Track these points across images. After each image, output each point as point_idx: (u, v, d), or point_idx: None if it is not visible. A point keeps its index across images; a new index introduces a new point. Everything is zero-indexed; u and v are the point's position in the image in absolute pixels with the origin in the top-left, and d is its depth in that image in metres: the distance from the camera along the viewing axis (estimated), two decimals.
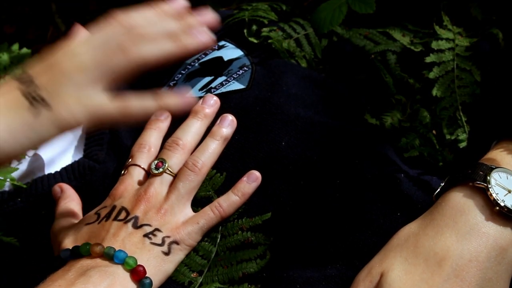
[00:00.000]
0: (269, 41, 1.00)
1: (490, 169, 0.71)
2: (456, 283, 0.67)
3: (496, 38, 0.97)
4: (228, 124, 0.88)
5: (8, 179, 0.95)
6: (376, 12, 1.02)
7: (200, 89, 0.94)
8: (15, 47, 1.25)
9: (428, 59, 0.96)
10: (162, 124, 0.91)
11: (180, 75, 0.98)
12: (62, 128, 0.69)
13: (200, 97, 0.92)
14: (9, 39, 1.44)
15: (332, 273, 0.76)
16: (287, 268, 0.76)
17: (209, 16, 0.80)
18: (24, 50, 1.26)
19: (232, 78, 0.94)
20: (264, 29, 1.02)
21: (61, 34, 1.43)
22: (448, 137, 0.92)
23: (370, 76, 0.98)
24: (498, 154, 0.75)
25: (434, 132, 0.94)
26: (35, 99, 0.69)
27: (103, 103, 0.71)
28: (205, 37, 0.76)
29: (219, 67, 0.96)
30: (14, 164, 0.98)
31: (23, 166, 0.98)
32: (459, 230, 0.69)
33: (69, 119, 0.69)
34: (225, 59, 0.97)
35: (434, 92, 0.94)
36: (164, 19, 0.77)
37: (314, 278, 0.75)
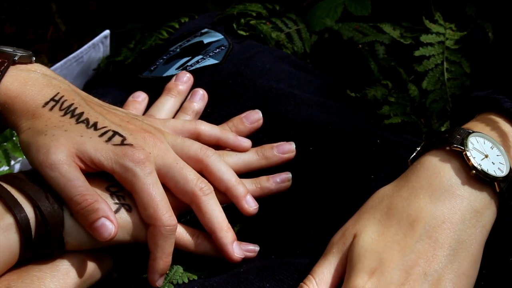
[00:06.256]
0: (258, 28, 0.99)
1: (468, 133, 0.69)
2: (428, 244, 0.65)
3: (486, 32, 0.96)
4: (199, 99, 0.88)
5: None
6: (371, 12, 1.03)
7: (177, 68, 0.94)
8: None
9: (417, 53, 0.95)
10: (139, 106, 0.89)
11: (162, 60, 0.98)
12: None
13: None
14: (9, 39, 1.47)
15: None
16: (292, 255, 0.75)
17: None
18: None
19: (208, 56, 0.94)
20: (254, 21, 1.02)
21: (61, 34, 1.45)
22: (436, 126, 0.91)
23: (357, 69, 0.97)
24: (477, 124, 0.73)
25: (422, 120, 0.92)
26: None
27: None
28: None
29: (198, 49, 0.96)
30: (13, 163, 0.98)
31: (17, 167, 0.98)
32: (433, 191, 0.67)
33: None
34: (205, 42, 0.97)
35: (424, 85, 0.94)
36: None
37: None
